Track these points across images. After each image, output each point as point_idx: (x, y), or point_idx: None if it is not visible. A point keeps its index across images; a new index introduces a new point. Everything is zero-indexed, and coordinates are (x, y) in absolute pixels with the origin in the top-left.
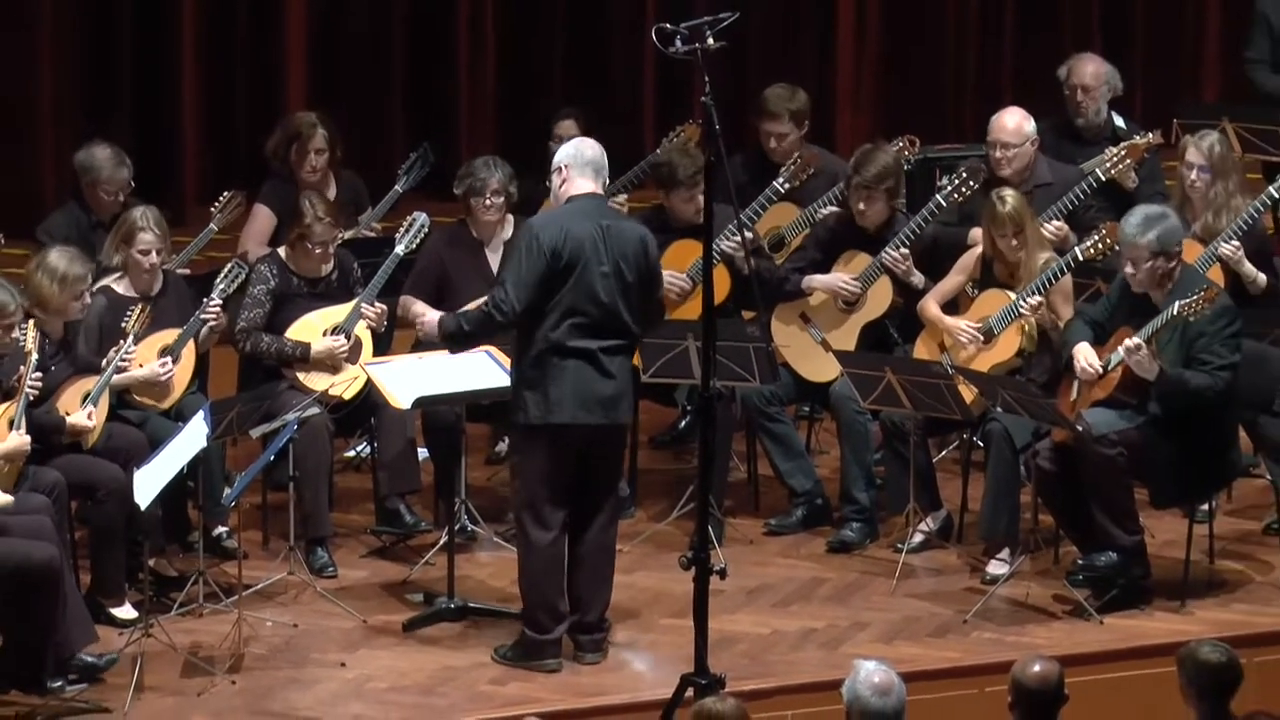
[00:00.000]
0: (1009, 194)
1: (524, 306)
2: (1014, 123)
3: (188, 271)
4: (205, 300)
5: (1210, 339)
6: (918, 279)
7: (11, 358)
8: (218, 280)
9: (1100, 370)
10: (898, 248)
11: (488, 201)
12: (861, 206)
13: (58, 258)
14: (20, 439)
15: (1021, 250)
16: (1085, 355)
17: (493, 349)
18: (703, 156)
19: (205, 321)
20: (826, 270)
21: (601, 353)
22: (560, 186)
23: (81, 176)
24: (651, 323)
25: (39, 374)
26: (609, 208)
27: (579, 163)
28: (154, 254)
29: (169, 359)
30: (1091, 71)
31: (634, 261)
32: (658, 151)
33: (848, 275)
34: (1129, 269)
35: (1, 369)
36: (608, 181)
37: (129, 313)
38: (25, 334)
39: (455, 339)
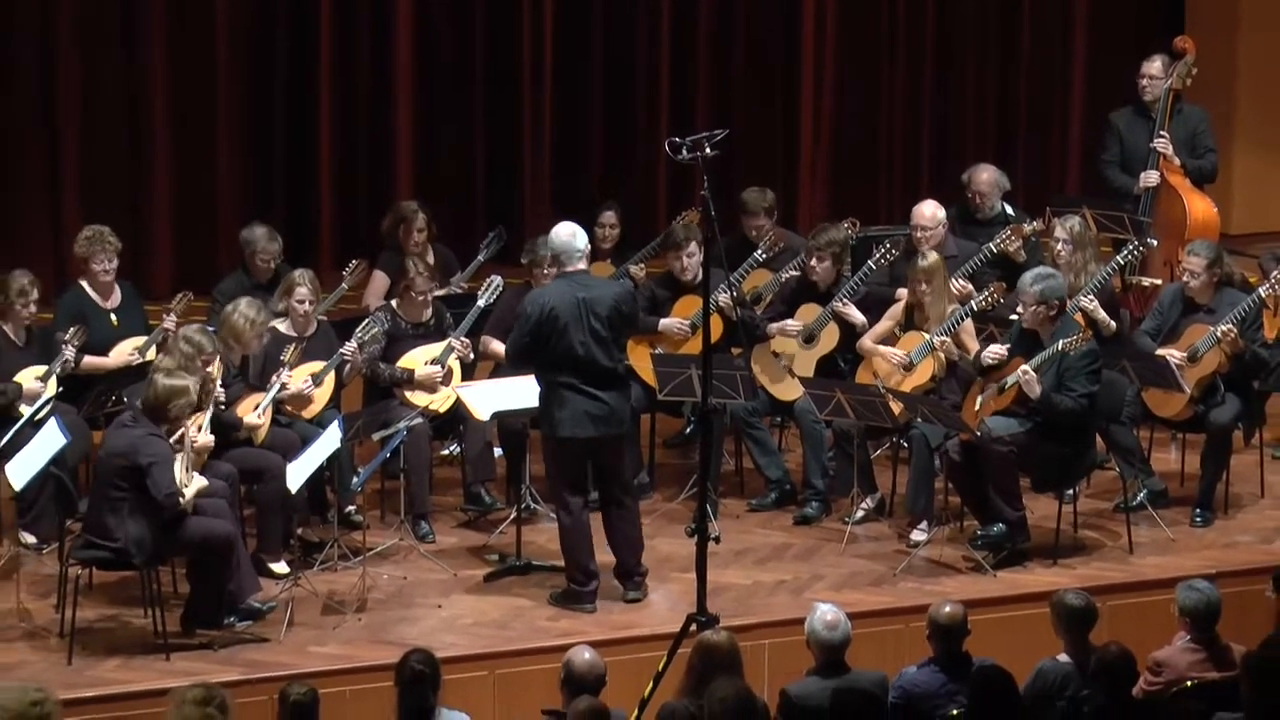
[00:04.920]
0: (929, 254)
1: (517, 358)
2: (930, 211)
3: (324, 318)
4: (346, 343)
5: (1076, 373)
6: (859, 318)
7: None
8: (358, 330)
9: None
10: (842, 301)
11: (545, 271)
12: (814, 263)
13: (248, 306)
14: (207, 438)
15: (932, 296)
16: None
17: None
18: (695, 234)
19: (343, 358)
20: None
21: (589, 384)
22: (550, 273)
23: (244, 249)
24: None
25: (222, 389)
26: (588, 279)
27: (553, 253)
28: (307, 304)
29: (311, 382)
30: (985, 179)
31: (606, 318)
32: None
33: (796, 322)
34: (1020, 309)
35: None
36: (586, 242)
37: (286, 348)
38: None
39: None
